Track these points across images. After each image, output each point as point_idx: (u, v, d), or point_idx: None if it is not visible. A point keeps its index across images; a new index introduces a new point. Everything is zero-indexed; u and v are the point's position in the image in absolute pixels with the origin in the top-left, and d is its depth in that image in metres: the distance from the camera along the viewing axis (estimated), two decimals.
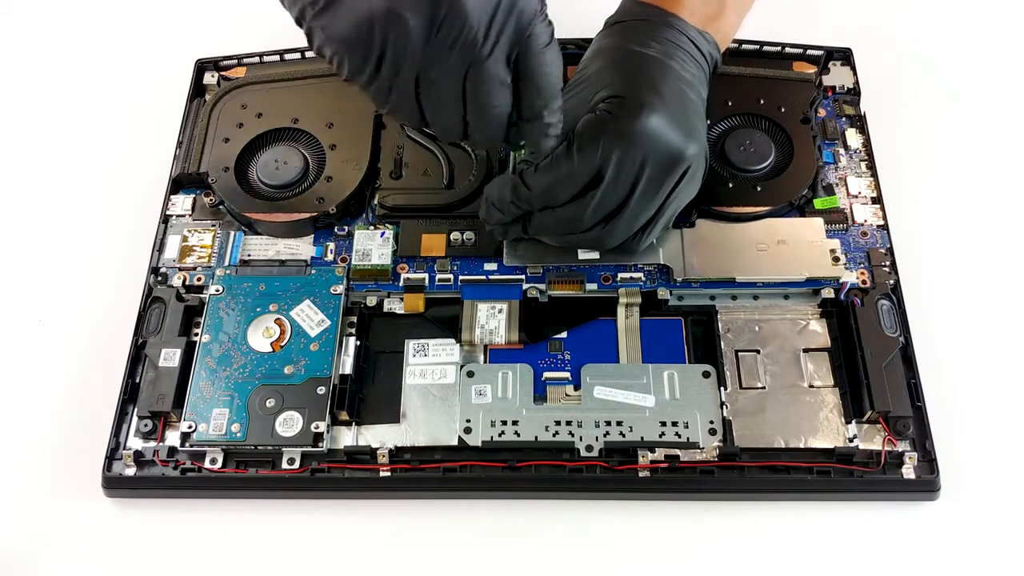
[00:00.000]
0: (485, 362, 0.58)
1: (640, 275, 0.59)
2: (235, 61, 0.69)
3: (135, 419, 0.56)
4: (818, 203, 0.62)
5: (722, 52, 0.58)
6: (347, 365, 0.57)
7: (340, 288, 0.59)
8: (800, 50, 0.68)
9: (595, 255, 0.59)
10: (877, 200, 0.63)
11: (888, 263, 0.60)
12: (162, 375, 0.56)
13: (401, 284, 0.60)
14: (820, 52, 0.68)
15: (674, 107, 0.52)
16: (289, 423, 0.54)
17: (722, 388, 0.56)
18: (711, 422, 0.55)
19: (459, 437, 0.55)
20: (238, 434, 0.54)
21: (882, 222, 0.62)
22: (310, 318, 0.58)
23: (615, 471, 0.54)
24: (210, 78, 0.69)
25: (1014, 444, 0.56)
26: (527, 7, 0.46)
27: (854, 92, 0.68)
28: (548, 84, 0.48)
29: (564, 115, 0.52)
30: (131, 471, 0.54)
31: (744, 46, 0.68)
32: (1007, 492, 0.55)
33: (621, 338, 0.58)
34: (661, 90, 0.52)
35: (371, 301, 0.59)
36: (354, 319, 0.59)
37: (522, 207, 0.54)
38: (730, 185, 0.61)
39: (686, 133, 0.52)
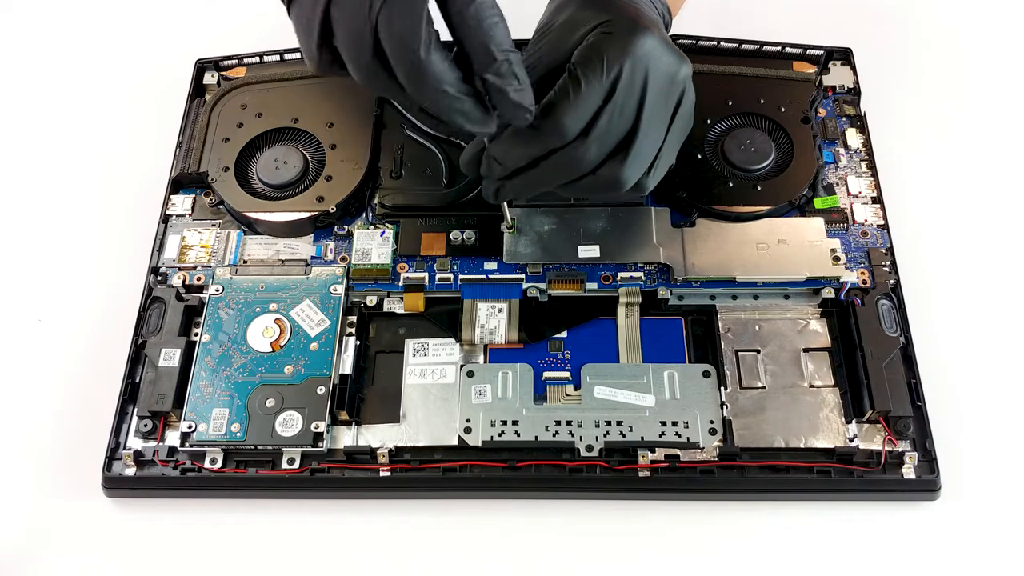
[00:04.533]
0: (485, 362, 0.58)
1: (640, 274, 0.59)
2: (235, 61, 0.69)
3: (135, 419, 0.56)
4: (818, 203, 0.62)
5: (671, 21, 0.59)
6: (347, 365, 0.57)
7: (340, 288, 0.59)
8: (800, 50, 0.68)
9: (595, 252, 0.59)
10: (877, 200, 0.63)
11: (888, 263, 0.60)
12: (162, 375, 0.56)
13: (401, 284, 0.60)
14: (820, 52, 0.68)
15: (661, 32, 0.51)
16: (289, 423, 0.54)
17: (722, 388, 0.56)
18: (711, 422, 0.55)
19: (459, 437, 0.55)
20: (238, 434, 0.54)
21: (882, 222, 0.62)
22: (310, 318, 0.58)
23: (615, 471, 0.54)
24: (210, 78, 0.69)
25: (1014, 444, 0.56)
26: None
27: (854, 92, 0.68)
28: (492, 35, 0.45)
29: (538, 61, 0.52)
30: (131, 471, 0.54)
31: (744, 46, 0.67)
32: (1007, 492, 0.55)
33: (621, 338, 0.58)
34: (646, 17, 0.52)
35: (371, 301, 0.59)
36: (354, 319, 0.59)
37: (527, 150, 0.51)
38: (730, 185, 0.61)
39: (678, 54, 0.51)
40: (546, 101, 0.50)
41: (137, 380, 0.57)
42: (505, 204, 0.58)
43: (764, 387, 0.56)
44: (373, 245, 0.61)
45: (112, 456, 0.55)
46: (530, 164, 0.51)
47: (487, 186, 0.54)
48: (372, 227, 0.62)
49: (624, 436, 0.54)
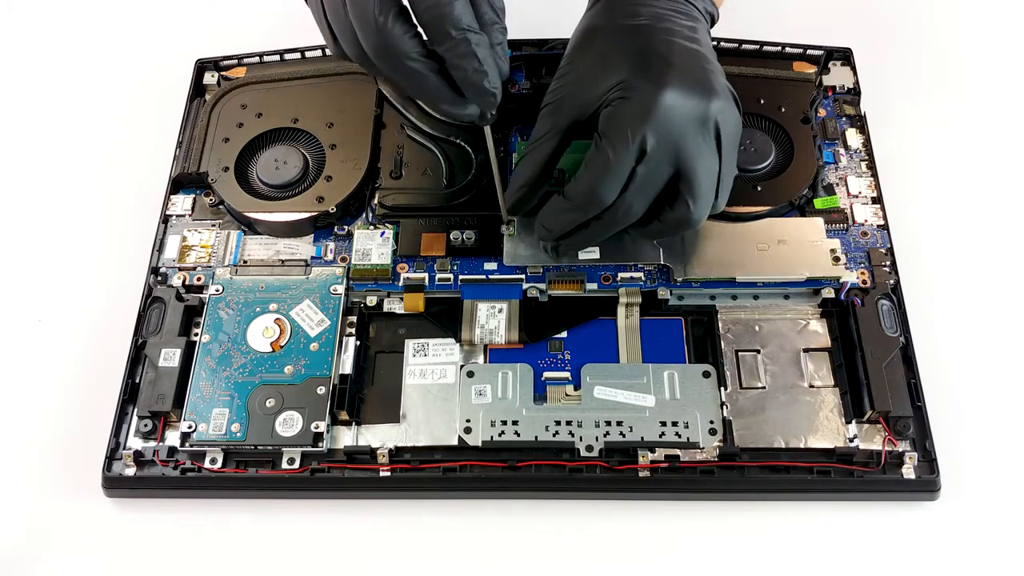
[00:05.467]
0: (485, 362, 0.58)
1: (640, 275, 0.59)
2: (235, 61, 0.69)
3: (135, 419, 0.56)
4: (818, 203, 0.62)
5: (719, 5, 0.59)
6: (347, 365, 0.57)
7: (340, 288, 0.59)
8: (800, 50, 0.68)
9: (595, 254, 0.59)
10: (877, 200, 0.63)
11: (888, 263, 0.60)
12: (162, 375, 0.56)
13: (401, 284, 0.60)
14: (820, 52, 0.68)
15: (684, 71, 0.51)
16: (289, 423, 0.54)
17: (722, 388, 0.56)
18: (711, 422, 0.55)
19: (459, 437, 0.55)
20: (238, 434, 0.54)
21: (882, 222, 0.62)
22: (310, 318, 0.58)
23: (615, 471, 0.54)
24: (210, 78, 0.69)
25: (1014, 444, 0.56)
26: None
27: (854, 92, 0.68)
28: (446, 12, 0.46)
29: (560, 103, 0.53)
30: (131, 471, 0.54)
31: (744, 46, 0.68)
32: (1007, 492, 0.55)
33: (621, 338, 0.58)
34: (669, 58, 0.51)
35: (371, 301, 0.59)
36: (354, 319, 0.59)
37: (574, 219, 0.53)
38: None
39: (706, 92, 0.51)
40: (579, 174, 0.51)
41: (137, 380, 0.57)
42: (503, 208, 0.58)
43: (764, 387, 0.56)
44: (373, 245, 0.61)
45: (112, 456, 0.55)
46: (581, 225, 0.54)
47: (545, 248, 0.57)
48: (372, 227, 0.62)
49: (624, 436, 0.54)
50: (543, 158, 0.54)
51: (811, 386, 0.56)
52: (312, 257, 0.61)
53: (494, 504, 0.55)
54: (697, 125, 0.51)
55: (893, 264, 0.60)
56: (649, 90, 0.50)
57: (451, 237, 0.61)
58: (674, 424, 0.54)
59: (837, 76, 0.68)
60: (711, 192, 0.53)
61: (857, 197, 0.63)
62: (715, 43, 0.67)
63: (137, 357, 0.58)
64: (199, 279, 0.60)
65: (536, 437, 0.54)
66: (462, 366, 0.57)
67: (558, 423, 0.55)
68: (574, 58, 0.54)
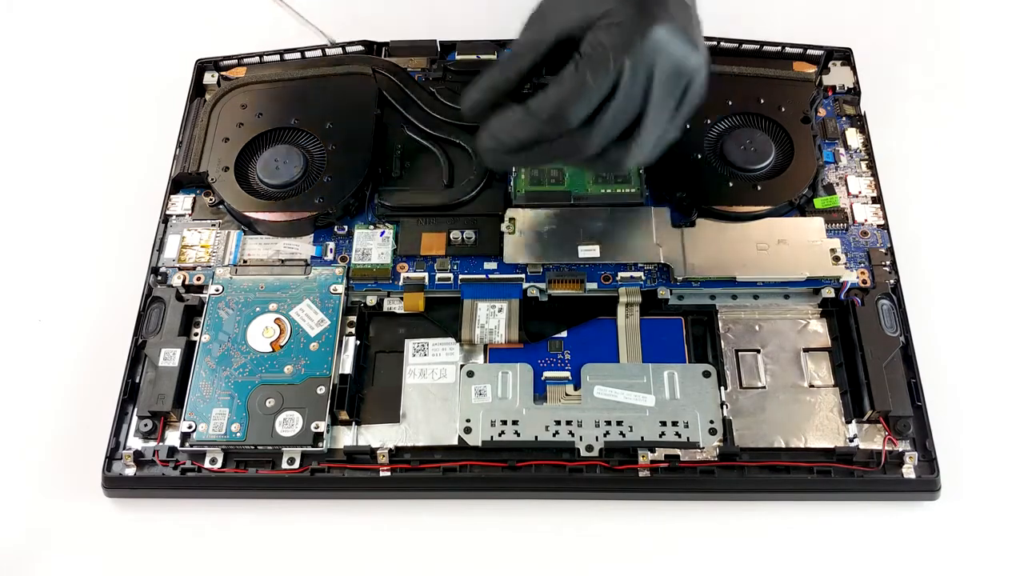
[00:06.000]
0: (485, 362, 0.58)
1: (640, 274, 0.59)
2: (235, 61, 0.69)
3: (135, 419, 0.56)
4: (818, 202, 0.62)
5: None
6: (347, 365, 0.57)
7: (340, 288, 0.59)
8: (800, 50, 0.68)
9: (595, 252, 0.59)
10: (877, 200, 0.63)
11: (888, 263, 0.60)
12: (162, 375, 0.56)
13: (401, 283, 0.60)
14: (820, 52, 0.68)
15: (677, 18, 0.50)
16: (289, 423, 0.54)
17: (722, 388, 0.56)
18: (711, 422, 0.55)
19: (459, 437, 0.55)
20: (238, 434, 0.54)
21: (882, 222, 0.62)
22: (310, 318, 0.58)
23: (615, 471, 0.54)
24: (210, 78, 0.69)
25: (1014, 444, 0.56)
26: None
27: (854, 92, 0.68)
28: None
29: (544, 13, 0.51)
30: (131, 471, 0.54)
31: (744, 46, 0.68)
32: (1007, 492, 0.55)
33: (621, 337, 0.58)
34: (665, 1, 0.50)
35: (371, 301, 0.59)
36: (354, 319, 0.59)
37: (529, 135, 0.51)
38: (730, 185, 0.61)
39: (691, 44, 0.50)
40: (548, 89, 0.49)
41: (137, 380, 0.57)
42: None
43: (764, 387, 0.56)
44: (373, 245, 0.61)
45: (112, 456, 0.55)
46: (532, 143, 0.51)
47: (487, 155, 0.52)
48: (372, 227, 0.62)
49: (624, 436, 0.54)
50: (518, 70, 0.52)
51: (811, 386, 0.56)
52: (312, 257, 0.61)
53: (494, 504, 0.55)
54: (674, 73, 0.50)
55: (893, 264, 0.60)
56: (642, 22, 0.49)
57: (451, 237, 0.61)
58: (674, 424, 0.54)
59: (837, 76, 0.68)
60: (651, 145, 0.51)
61: (857, 197, 0.63)
62: (715, 43, 0.68)
63: (137, 357, 0.58)
64: (199, 279, 0.60)
65: (536, 437, 0.54)
66: (462, 366, 0.57)
67: (558, 423, 0.55)
68: None
